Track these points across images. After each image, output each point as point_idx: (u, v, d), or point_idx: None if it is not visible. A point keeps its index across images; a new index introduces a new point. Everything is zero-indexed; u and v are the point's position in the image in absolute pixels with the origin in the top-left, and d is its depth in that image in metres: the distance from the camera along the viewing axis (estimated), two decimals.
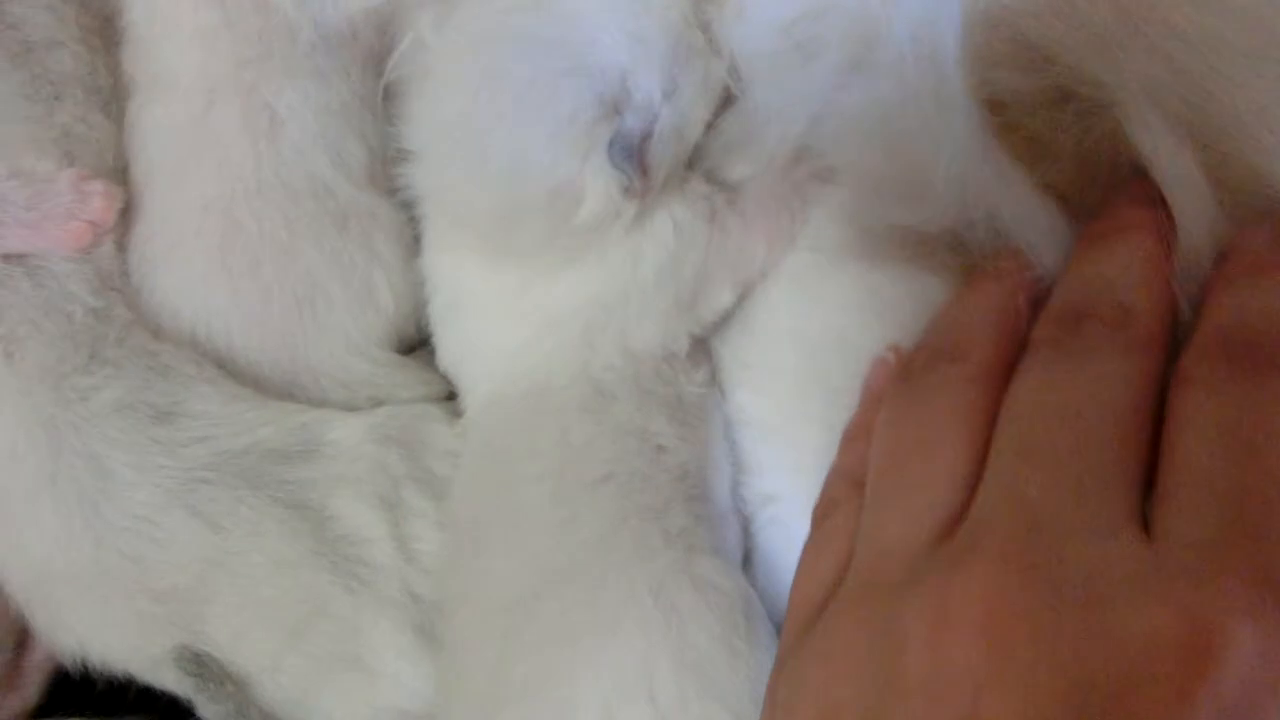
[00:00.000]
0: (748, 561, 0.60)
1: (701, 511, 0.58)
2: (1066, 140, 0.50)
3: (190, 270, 0.63)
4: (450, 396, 0.65)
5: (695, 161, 0.60)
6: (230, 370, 0.63)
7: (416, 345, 0.67)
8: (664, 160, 0.56)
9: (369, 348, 0.65)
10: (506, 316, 0.60)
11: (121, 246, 0.64)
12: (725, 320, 0.61)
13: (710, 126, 0.59)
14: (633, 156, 0.55)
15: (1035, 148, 0.51)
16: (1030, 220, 0.51)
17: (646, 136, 0.56)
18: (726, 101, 0.59)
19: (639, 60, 0.56)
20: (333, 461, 0.61)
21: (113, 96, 0.65)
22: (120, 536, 0.58)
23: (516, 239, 0.57)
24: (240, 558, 0.59)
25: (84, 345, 0.60)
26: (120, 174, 0.64)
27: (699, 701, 0.53)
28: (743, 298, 0.61)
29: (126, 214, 0.64)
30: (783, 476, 0.60)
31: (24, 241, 0.60)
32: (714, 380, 0.62)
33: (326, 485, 0.60)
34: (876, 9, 0.55)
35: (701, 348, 0.62)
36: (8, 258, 0.60)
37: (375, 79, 0.64)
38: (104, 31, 0.65)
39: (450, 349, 0.63)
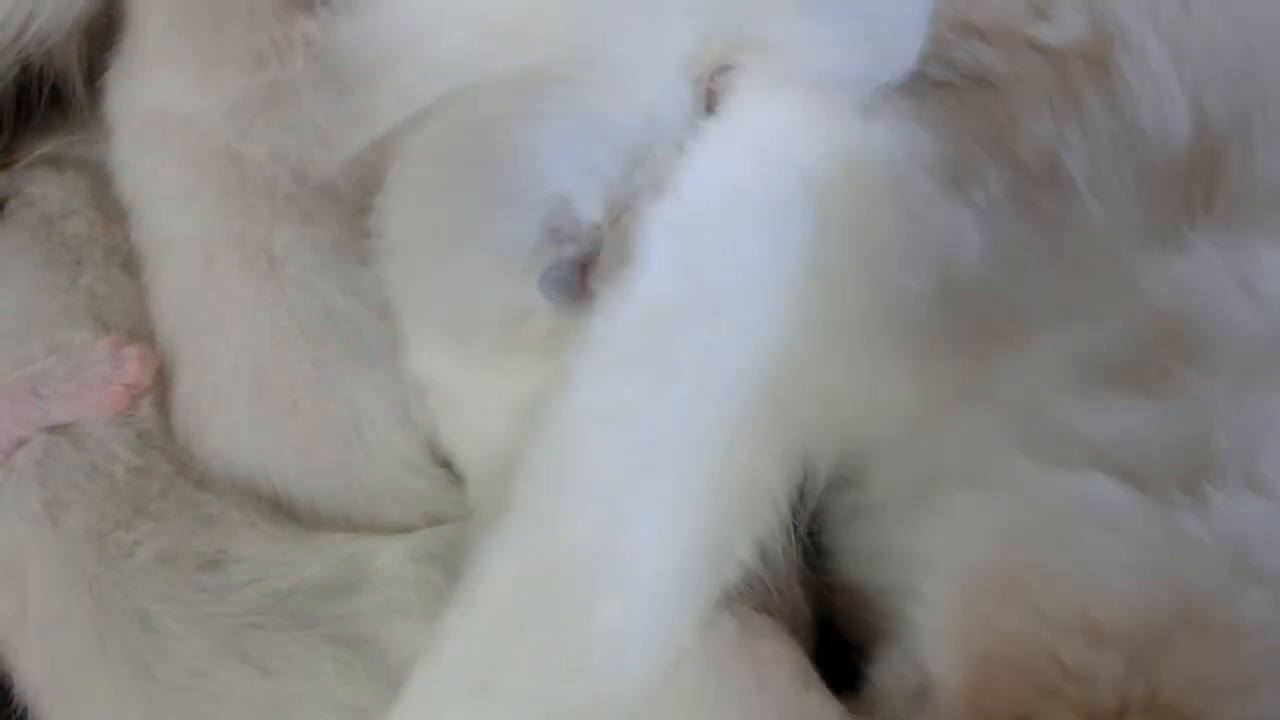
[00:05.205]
0: None
1: None
2: None
3: (235, 419, 0.64)
4: None
5: None
6: (287, 506, 0.64)
7: None
8: (612, 278, 0.57)
9: (424, 464, 0.65)
10: (484, 411, 0.60)
11: (161, 406, 0.65)
12: None
13: None
14: (568, 285, 0.57)
15: None
16: None
17: (591, 261, 0.57)
18: None
19: (586, 190, 0.57)
20: (380, 589, 0.60)
21: (130, 255, 0.67)
22: (174, 696, 0.58)
23: (473, 346, 0.58)
24: (297, 705, 0.58)
25: (126, 502, 0.61)
26: (150, 329, 0.66)
27: None
28: None
29: (162, 374, 0.65)
30: None
31: (66, 412, 0.62)
32: None
33: (376, 615, 0.59)
34: None
35: None
36: (52, 429, 0.62)
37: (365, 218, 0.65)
38: (116, 198, 0.68)
39: (450, 446, 0.64)
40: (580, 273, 0.58)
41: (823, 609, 0.61)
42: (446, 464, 0.65)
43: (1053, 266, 0.53)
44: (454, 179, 0.60)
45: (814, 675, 0.56)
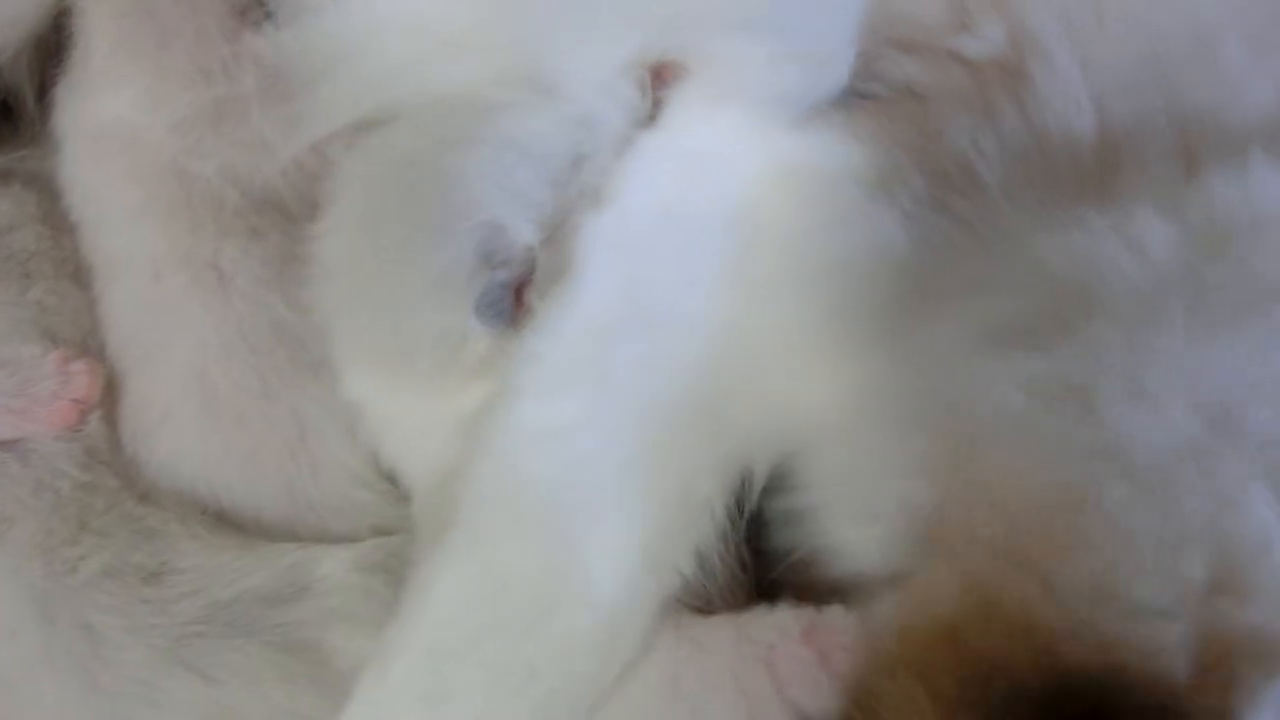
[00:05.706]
0: None
1: None
2: None
3: (183, 433, 0.65)
4: None
5: None
6: (233, 518, 0.65)
7: None
8: (549, 293, 0.58)
9: (370, 477, 0.66)
10: (422, 431, 0.62)
11: (109, 421, 0.66)
12: None
13: None
14: (502, 309, 0.58)
15: None
16: None
17: (526, 283, 0.59)
18: None
19: (515, 214, 0.59)
20: (324, 597, 0.61)
21: (80, 267, 0.68)
22: (118, 703, 0.59)
23: (412, 370, 0.60)
24: (240, 711, 0.59)
25: (72, 518, 0.62)
26: (100, 341, 0.67)
27: None
28: None
29: (111, 389, 0.66)
30: None
31: (13, 428, 0.63)
32: None
33: (319, 621, 0.60)
34: None
35: None
36: (0, 444, 0.63)
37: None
38: (65, 211, 0.69)
39: (392, 464, 0.65)
40: (515, 295, 0.59)
41: None
42: (393, 477, 0.66)
43: (965, 253, 0.56)
44: (386, 208, 0.61)
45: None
